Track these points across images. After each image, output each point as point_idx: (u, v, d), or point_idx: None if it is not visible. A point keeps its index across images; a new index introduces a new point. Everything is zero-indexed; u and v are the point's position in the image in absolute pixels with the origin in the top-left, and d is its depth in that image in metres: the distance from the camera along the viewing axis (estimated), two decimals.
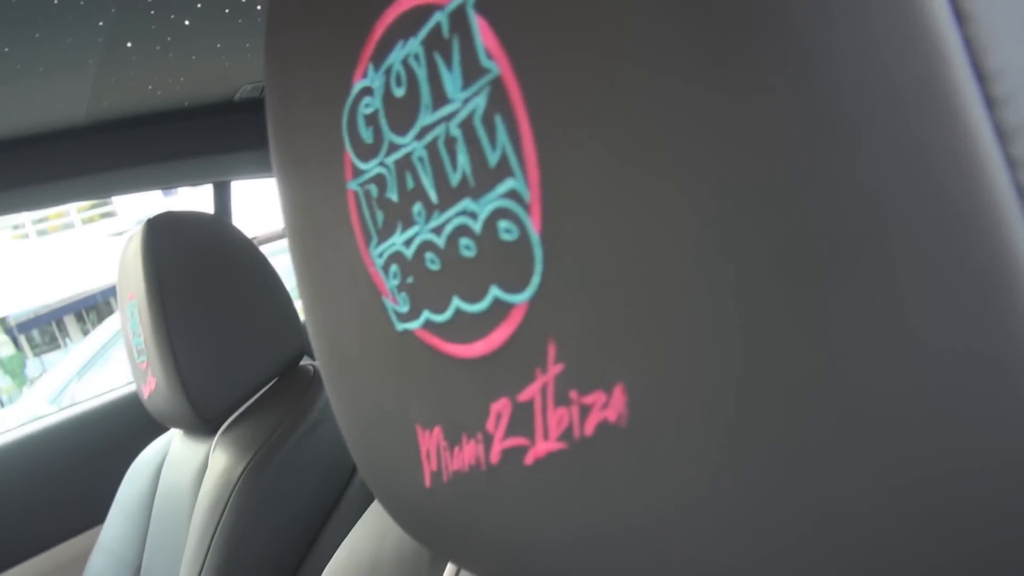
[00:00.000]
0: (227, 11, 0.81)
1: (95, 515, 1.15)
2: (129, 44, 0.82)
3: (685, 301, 0.15)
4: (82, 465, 1.23)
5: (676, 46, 0.14)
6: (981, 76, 0.11)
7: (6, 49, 0.76)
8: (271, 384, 0.87)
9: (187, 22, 0.81)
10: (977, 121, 0.11)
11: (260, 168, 1.12)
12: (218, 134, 1.02)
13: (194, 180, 1.12)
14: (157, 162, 1.01)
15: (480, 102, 0.18)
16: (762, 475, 0.15)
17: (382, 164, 0.23)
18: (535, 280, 0.18)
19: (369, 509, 0.44)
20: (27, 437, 1.23)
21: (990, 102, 0.11)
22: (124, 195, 1.16)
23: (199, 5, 0.79)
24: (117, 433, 1.26)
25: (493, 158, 0.19)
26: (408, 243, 0.23)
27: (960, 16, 0.11)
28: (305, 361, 0.90)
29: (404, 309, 0.23)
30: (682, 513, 0.17)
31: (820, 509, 0.14)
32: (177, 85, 0.96)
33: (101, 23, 0.76)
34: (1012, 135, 0.11)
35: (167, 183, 1.11)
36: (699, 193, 0.14)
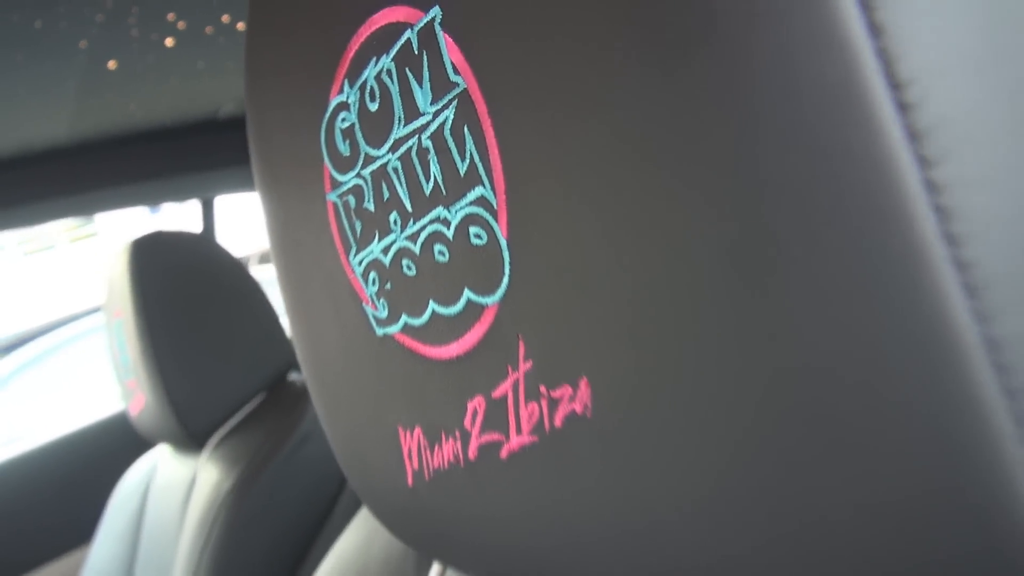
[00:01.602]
0: (208, 31, 0.82)
1: (83, 535, 1.15)
2: (111, 65, 0.83)
3: (641, 297, 0.16)
4: (69, 486, 1.23)
5: (626, 60, 0.15)
6: (893, 83, 0.12)
7: None
8: (259, 399, 0.87)
9: (168, 43, 0.82)
10: (890, 124, 0.12)
11: (243, 184, 1.12)
12: (201, 151, 1.03)
13: (178, 197, 1.12)
14: (141, 180, 1.02)
15: (449, 114, 0.20)
16: (718, 462, 0.16)
17: (359, 176, 0.24)
18: (504, 282, 0.19)
19: (357, 516, 0.45)
20: (14, 460, 1.22)
21: (902, 107, 0.12)
22: (109, 212, 1.16)
23: (180, 26, 0.80)
24: (103, 454, 1.26)
25: (462, 167, 0.20)
26: (385, 251, 0.24)
27: (874, 28, 0.12)
28: (294, 376, 0.91)
29: (383, 314, 0.24)
30: (645, 500, 0.18)
31: (775, 495, 0.15)
32: (160, 104, 0.97)
33: (82, 45, 0.77)
34: (922, 136, 0.12)
35: (151, 200, 1.12)
36: (651, 196, 0.15)
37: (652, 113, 0.15)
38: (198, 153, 1.03)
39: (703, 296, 0.15)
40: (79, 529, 1.17)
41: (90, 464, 1.25)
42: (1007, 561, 0.12)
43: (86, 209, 1.09)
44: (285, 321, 0.88)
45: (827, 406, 0.13)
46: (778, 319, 0.14)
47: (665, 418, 0.17)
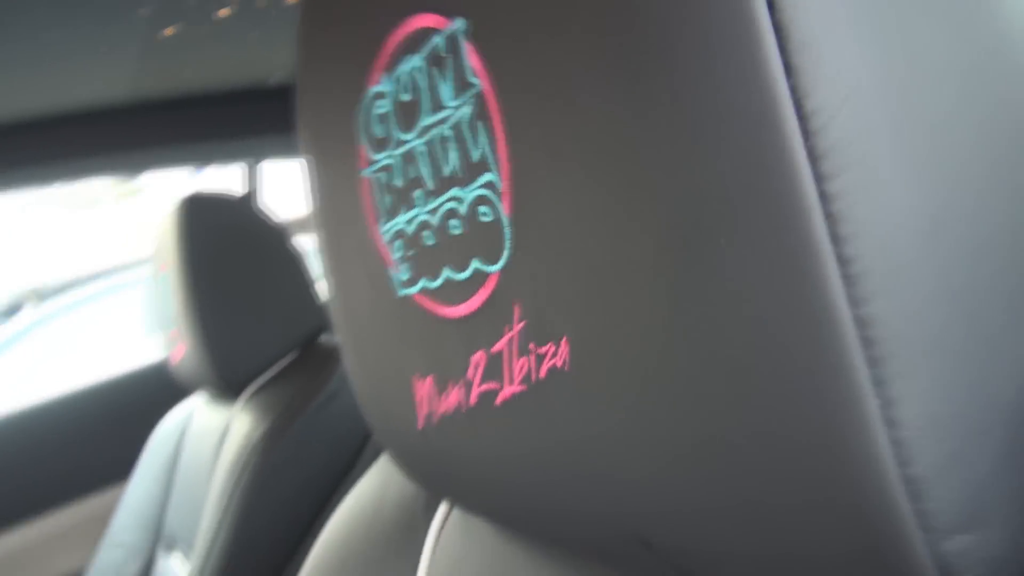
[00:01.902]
0: (261, 5, 0.86)
1: (119, 474, 1.22)
2: (168, 32, 0.88)
3: (611, 271, 0.20)
4: (108, 427, 1.29)
5: (605, 78, 0.18)
6: (802, 114, 0.15)
7: (55, 33, 0.82)
8: (292, 357, 0.92)
9: (223, 14, 0.86)
10: (797, 146, 0.15)
11: (288, 151, 1.17)
12: (249, 117, 1.07)
13: (225, 160, 1.17)
14: (191, 142, 1.07)
15: (467, 110, 0.23)
16: (672, 412, 0.19)
17: (390, 156, 0.27)
18: (505, 254, 0.23)
19: (375, 465, 0.49)
20: (59, 400, 1.30)
21: (807, 133, 0.15)
22: (158, 171, 1.22)
23: None
24: (141, 400, 1.32)
25: (476, 155, 0.23)
26: (410, 222, 0.27)
27: (789, 68, 0.15)
28: (324, 338, 0.95)
29: (405, 277, 0.28)
30: (611, 443, 0.21)
31: (700, 430, 0.19)
32: (212, 70, 1.02)
33: (142, 12, 0.82)
34: (821, 156, 0.15)
35: (200, 162, 1.17)
36: (620, 189, 0.19)
37: (622, 123, 0.18)
38: (246, 119, 1.07)
39: (657, 272, 0.18)
40: (115, 468, 1.23)
41: (129, 408, 1.32)
42: (846, 481, 0.16)
43: (138, 167, 1.14)
44: (319, 287, 0.93)
45: (743, 361, 0.17)
46: (709, 293, 0.17)
47: (628, 372, 0.20)
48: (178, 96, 1.04)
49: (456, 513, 0.38)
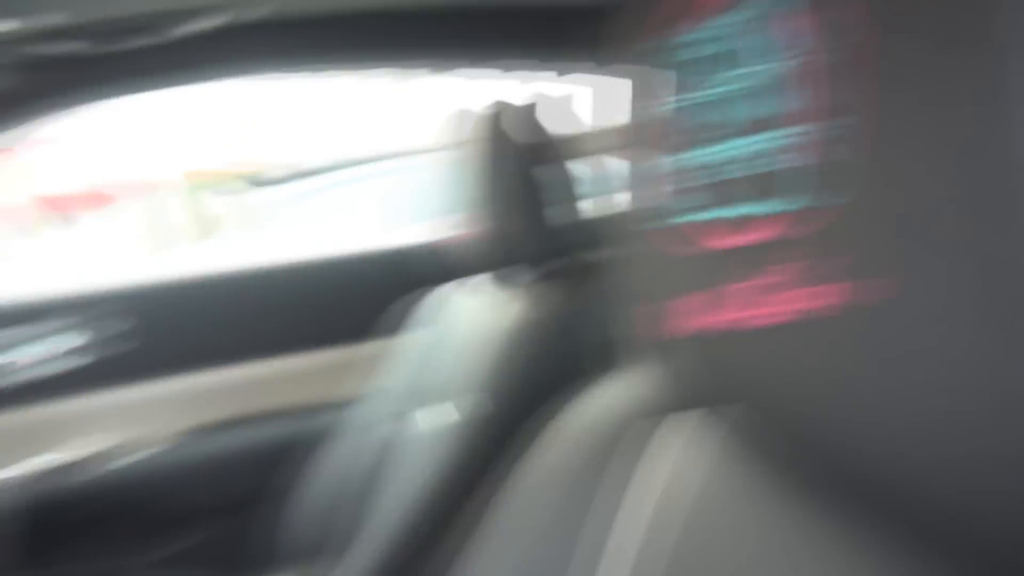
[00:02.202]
0: None
1: (376, 331, 1.38)
2: None
3: (908, 230, 0.22)
4: (374, 289, 1.46)
5: (930, 69, 0.21)
6: None
7: None
8: (553, 265, 1.00)
9: None
10: None
11: (589, 68, 1.22)
12: (553, 33, 1.13)
13: (526, 69, 1.25)
14: (494, 49, 1.15)
15: (777, 69, 0.26)
16: (932, 357, 0.22)
17: (696, 97, 0.31)
18: (797, 200, 0.26)
19: (611, 375, 0.54)
20: (348, 256, 1.50)
21: None
22: (460, 71, 1.32)
23: None
24: (406, 273, 1.47)
25: (777, 110, 0.26)
26: (696, 160, 0.31)
27: None
28: (583, 254, 1.02)
29: (681, 207, 0.32)
30: (858, 372, 0.24)
31: (963, 379, 0.21)
32: None
33: None
34: None
35: (499, 67, 1.26)
36: (927, 159, 0.21)
37: (935, 98, 0.20)
38: (551, 33, 1.13)
39: (948, 236, 0.21)
40: (373, 326, 1.40)
41: (395, 278, 1.47)
42: None
43: (442, 65, 1.25)
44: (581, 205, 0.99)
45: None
46: (994, 259, 0.20)
47: (892, 321, 0.23)
48: (493, 5, 1.12)
49: (677, 425, 0.42)
